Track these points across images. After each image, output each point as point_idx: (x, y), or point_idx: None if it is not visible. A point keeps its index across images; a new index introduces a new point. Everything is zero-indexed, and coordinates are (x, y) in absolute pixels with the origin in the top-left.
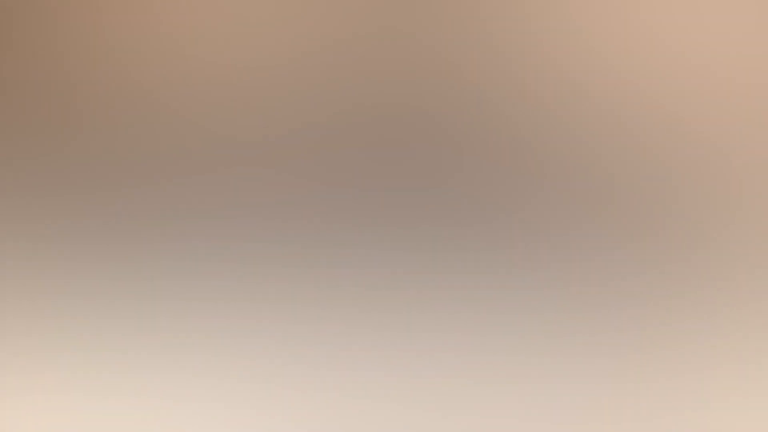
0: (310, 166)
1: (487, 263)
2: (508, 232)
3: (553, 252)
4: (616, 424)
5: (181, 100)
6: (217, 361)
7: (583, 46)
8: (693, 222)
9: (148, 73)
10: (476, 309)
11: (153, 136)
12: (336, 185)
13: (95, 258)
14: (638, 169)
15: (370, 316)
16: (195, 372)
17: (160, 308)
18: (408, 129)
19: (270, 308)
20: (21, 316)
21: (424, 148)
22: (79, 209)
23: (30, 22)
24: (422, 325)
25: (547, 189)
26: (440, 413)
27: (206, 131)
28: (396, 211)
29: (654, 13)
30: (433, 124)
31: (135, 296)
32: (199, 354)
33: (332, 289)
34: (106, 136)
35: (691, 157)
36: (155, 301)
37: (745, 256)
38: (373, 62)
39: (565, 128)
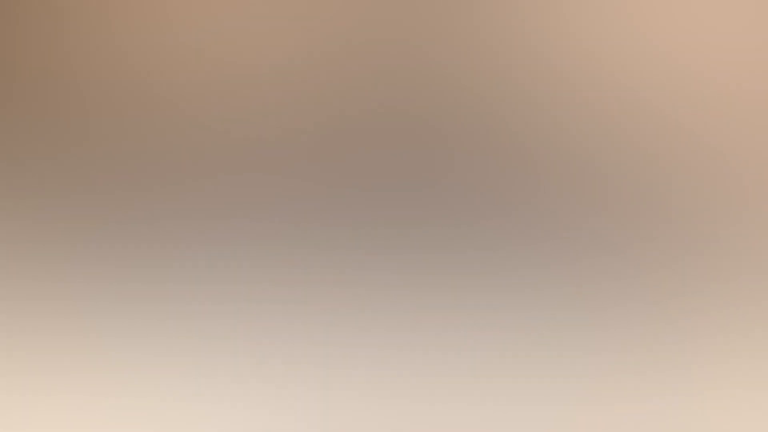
0: (315, 169)
1: (486, 263)
2: (507, 232)
3: (550, 252)
4: (617, 423)
5: (190, 102)
6: (220, 362)
7: (580, 46)
8: (692, 222)
9: (157, 76)
10: (474, 309)
11: (161, 139)
12: (339, 187)
13: (100, 260)
14: (635, 168)
15: (370, 316)
16: (199, 373)
17: (166, 310)
18: (413, 131)
19: (273, 309)
20: (24, 316)
21: (425, 149)
22: (83, 211)
23: (39, 23)
24: (425, 325)
25: (544, 190)
26: (440, 414)
27: (214, 134)
28: (404, 213)
29: (651, 12)
30: (433, 126)
31: (138, 298)
32: (203, 355)
33: (335, 290)
34: (114, 138)
35: (690, 157)
36: (160, 302)
37: (746, 256)
38: (372, 65)
39: (562, 129)
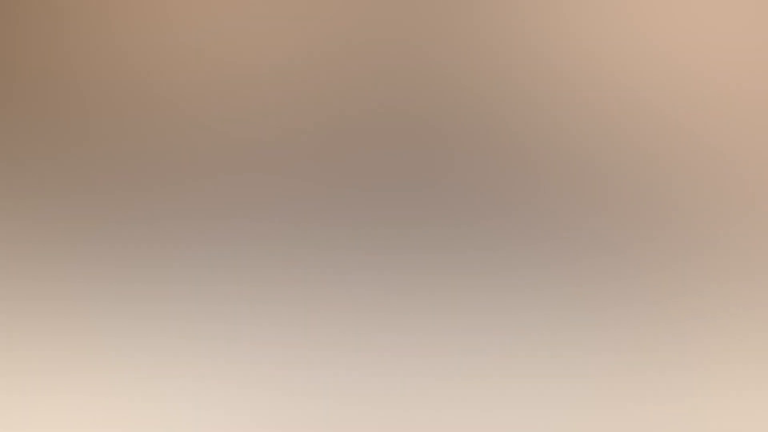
0: (315, 169)
1: (486, 263)
2: (507, 232)
3: (550, 252)
4: (617, 423)
5: (190, 102)
6: (219, 362)
7: (580, 46)
8: (692, 222)
9: (157, 76)
10: (474, 309)
11: (161, 139)
12: (339, 187)
13: (100, 260)
14: (635, 168)
15: (370, 316)
16: (199, 373)
17: (166, 310)
18: (413, 131)
19: (272, 310)
20: (24, 316)
21: (425, 149)
22: (83, 211)
23: (39, 23)
24: (425, 325)
25: (544, 190)
26: (439, 414)
27: (214, 134)
28: (404, 213)
29: (651, 12)
30: (433, 126)
31: (138, 298)
32: (202, 355)
33: (335, 290)
34: (114, 138)
35: (690, 157)
36: (160, 302)
37: (746, 256)
38: (372, 65)
39: (562, 129)
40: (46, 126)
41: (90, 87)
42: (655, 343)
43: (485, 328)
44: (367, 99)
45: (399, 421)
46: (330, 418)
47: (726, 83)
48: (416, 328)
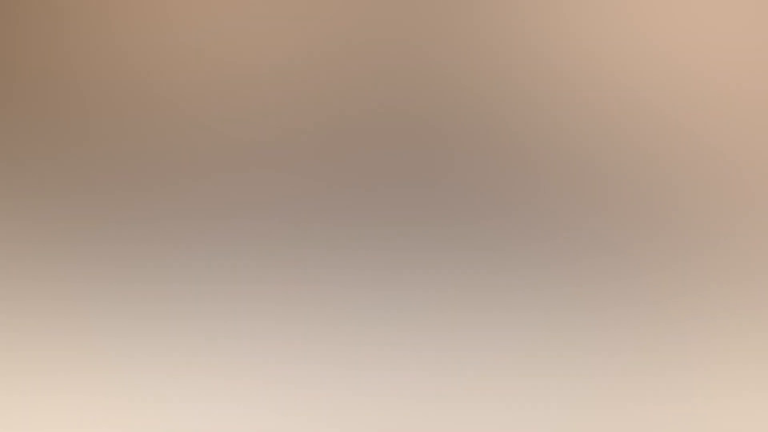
0: (315, 169)
1: (486, 263)
2: (507, 232)
3: (550, 252)
4: (616, 423)
5: (190, 102)
6: (219, 362)
7: (580, 46)
8: (692, 222)
9: (157, 76)
10: (474, 309)
11: (161, 139)
12: (339, 187)
13: (100, 260)
14: (635, 168)
15: (370, 315)
16: (199, 373)
17: (165, 310)
18: (413, 131)
19: (273, 309)
20: (24, 316)
21: (425, 149)
22: (83, 211)
23: (39, 23)
24: (425, 324)
25: (544, 190)
26: (438, 413)
27: (214, 134)
28: (404, 213)
29: (651, 12)
30: (433, 126)
31: (138, 298)
32: (203, 355)
33: (334, 289)
34: (114, 138)
35: (690, 157)
36: (159, 302)
37: (746, 256)
38: (372, 65)
39: (562, 129)
40: (46, 126)
41: (90, 87)
42: (655, 343)
43: (485, 328)
44: (367, 99)
45: (397, 420)
46: (329, 418)
47: (726, 83)
48: (416, 328)
